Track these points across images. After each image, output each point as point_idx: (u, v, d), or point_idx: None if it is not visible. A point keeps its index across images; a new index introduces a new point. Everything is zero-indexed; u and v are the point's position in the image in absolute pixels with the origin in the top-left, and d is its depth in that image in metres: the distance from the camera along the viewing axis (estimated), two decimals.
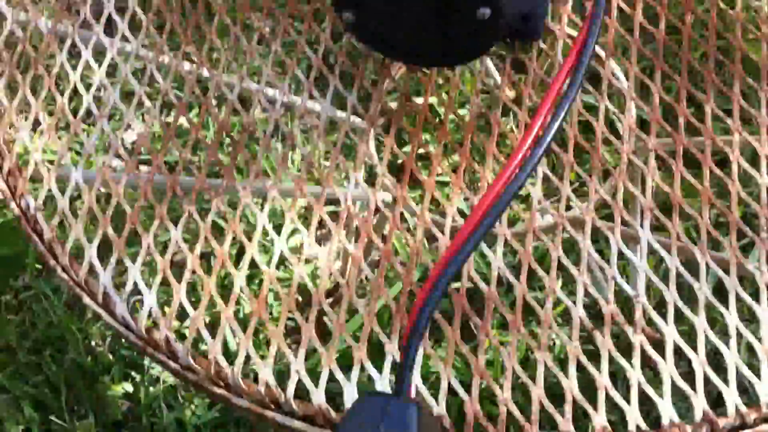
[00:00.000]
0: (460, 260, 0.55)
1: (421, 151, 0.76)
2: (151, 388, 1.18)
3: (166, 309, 0.61)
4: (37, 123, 0.70)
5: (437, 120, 0.70)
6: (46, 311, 1.24)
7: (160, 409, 1.17)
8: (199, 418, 1.15)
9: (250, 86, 0.74)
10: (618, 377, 0.61)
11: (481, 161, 0.68)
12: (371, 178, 1.14)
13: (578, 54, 0.64)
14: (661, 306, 0.61)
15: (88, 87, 0.71)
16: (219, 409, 1.16)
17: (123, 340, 1.17)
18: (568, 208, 0.65)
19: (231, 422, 1.16)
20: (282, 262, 1.14)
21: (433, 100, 1.03)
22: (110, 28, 0.75)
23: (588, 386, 0.58)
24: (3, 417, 1.16)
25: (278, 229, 0.65)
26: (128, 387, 1.19)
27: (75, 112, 0.70)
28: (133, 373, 1.20)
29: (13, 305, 1.26)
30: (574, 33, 0.76)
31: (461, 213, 0.66)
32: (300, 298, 1.06)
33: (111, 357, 1.21)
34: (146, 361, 1.20)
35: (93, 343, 1.22)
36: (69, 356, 1.20)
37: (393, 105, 0.85)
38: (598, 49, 0.68)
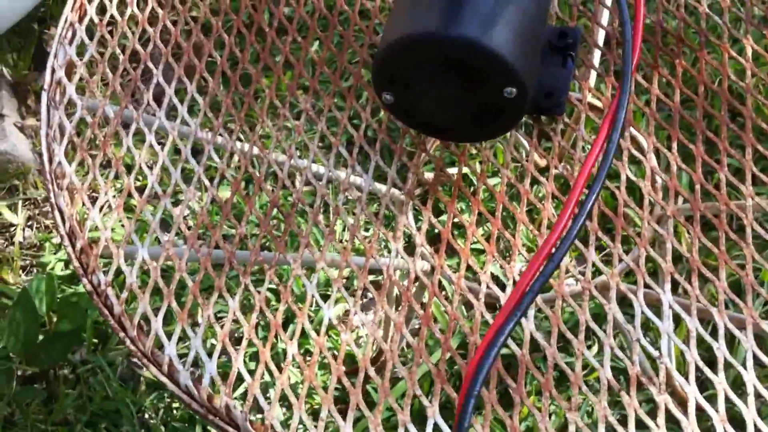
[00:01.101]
0: (506, 332, 0.56)
1: (456, 220, 0.76)
2: None
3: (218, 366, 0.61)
4: (105, 203, 0.71)
5: (471, 190, 0.70)
6: (102, 385, 1.24)
7: None
8: None
9: (298, 163, 0.74)
10: None
11: (513, 229, 0.68)
12: (410, 247, 1.15)
13: (607, 137, 0.64)
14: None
15: (150, 167, 0.72)
16: None
17: (175, 411, 1.18)
18: (595, 274, 0.65)
19: None
20: (329, 329, 1.13)
21: (465, 170, 1.03)
22: (165, 106, 0.76)
23: None
24: None
25: (325, 298, 0.66)
26: None
27: (140, 191, 0.71)
28: None
29: (70, 379, 1.26)
30: (598, 104, 0.76)
31: (495, 279, 0.66)
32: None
33: (163, 429, 1.20)
34: None
35: (146, 416, 1.21)
36: (124, 429, 1.20)
37: (428, 176, 0.85)
38: None
